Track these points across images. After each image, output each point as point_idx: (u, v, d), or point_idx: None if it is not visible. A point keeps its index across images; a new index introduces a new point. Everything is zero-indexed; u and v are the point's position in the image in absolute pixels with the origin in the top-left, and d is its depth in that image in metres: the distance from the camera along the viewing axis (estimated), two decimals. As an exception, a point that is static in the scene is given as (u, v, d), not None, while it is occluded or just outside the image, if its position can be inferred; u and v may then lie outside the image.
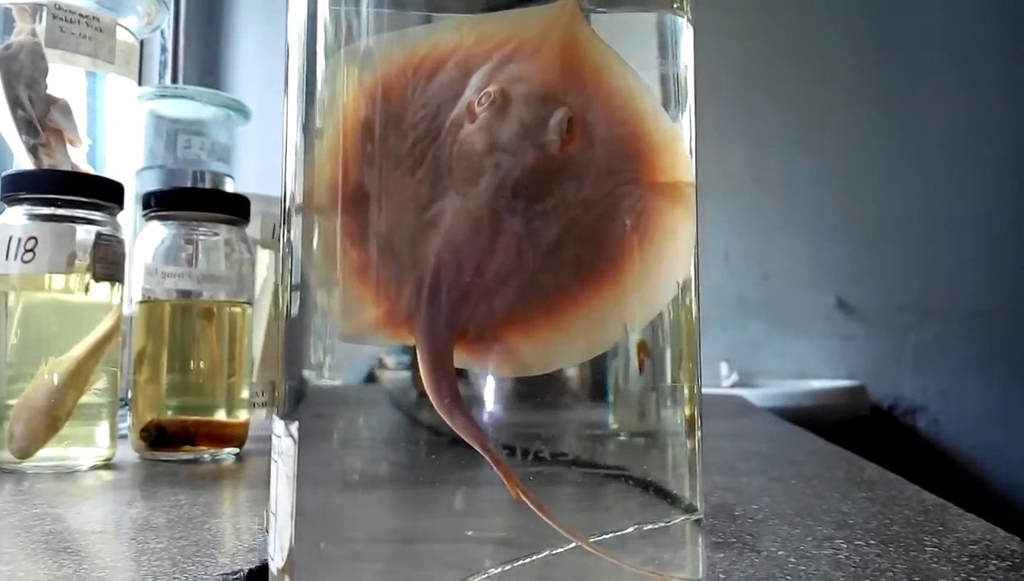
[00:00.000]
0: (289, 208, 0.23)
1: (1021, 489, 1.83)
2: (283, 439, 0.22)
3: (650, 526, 0.21)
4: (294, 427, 0.22)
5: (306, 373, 0.22)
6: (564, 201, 0.20)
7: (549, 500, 0.19)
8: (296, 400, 0.22)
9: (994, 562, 0.30)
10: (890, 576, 0.29)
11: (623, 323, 0.20)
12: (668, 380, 0.22)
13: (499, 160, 0.20)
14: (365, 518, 0.21)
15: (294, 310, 0.23)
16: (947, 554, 0.32)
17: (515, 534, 0.20)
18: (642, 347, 0.21)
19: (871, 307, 2.00)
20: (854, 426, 1.62)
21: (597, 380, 0.21)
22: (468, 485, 0.20)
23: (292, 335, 0.23)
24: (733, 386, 1.83)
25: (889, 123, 2.01)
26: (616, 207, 0.20)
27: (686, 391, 0.22)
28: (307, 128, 0.23)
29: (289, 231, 0.23)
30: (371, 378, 0.21)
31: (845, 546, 0.33)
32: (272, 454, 0.23)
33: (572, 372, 0.21)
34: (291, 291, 0.23)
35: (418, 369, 0.20)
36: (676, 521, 0.21)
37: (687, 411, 0.22)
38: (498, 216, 0.20)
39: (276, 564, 0.22)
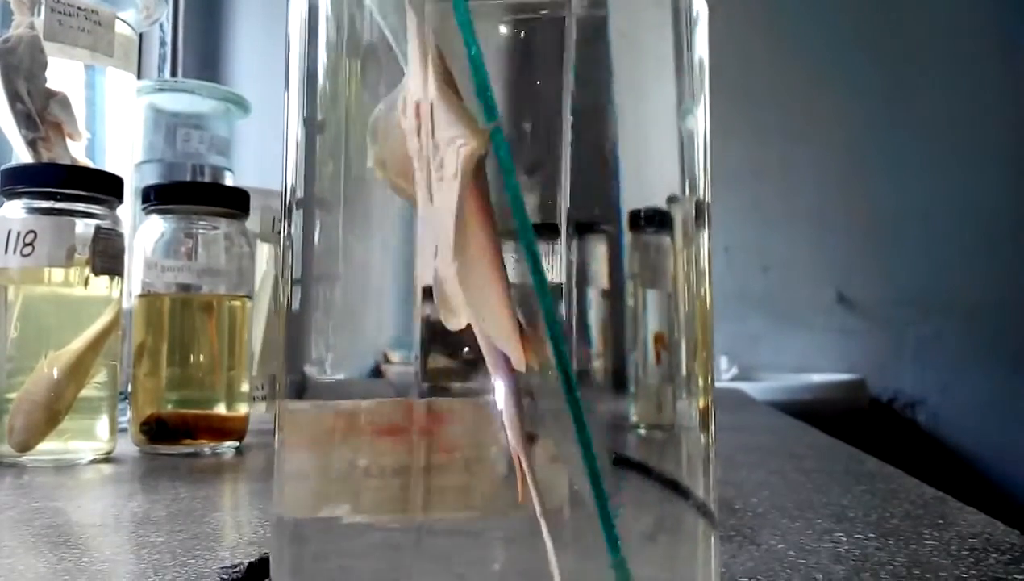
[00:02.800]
0: (290, 202, 0.23)
1: (1021, 482, 1.83)
2: (285, 435, 0.22)
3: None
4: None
5: (307, 368, 0.22)
6: (439, 185, 0.19)
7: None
8: (298, 394, 0.22)
9: (994, 555, 0.30)
10: (890, 569, 0.29)
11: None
12: (684, 371, 0.22)
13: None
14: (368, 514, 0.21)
15: (295, 304, 0.23)
16: (947, 547, 0.32)
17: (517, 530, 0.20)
18: (659, 338, 0.21)
19: (871, 301, 2.00)
20: (854, 420, 1.62)
21: (619, 372, 0.21)
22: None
23: (293, 329, 0.23)
24: (733, 379, 1.83)
25: (890, 116, 2.01)
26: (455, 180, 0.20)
27: (700, 382, 0.22)
28: (308, 122, 0.22)
29: (290, 225, 0.23)
30: (376, 372, 0.21)
31: (845, 539, 0.33)
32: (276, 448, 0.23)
33: (596, 365, 0.21)
34: (292, 285, 0.23)
35: (424, 362, 0.20)
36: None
37: (701, 403, 0.22)
38: (417, 213, 0.20)
39: (280, 561, 0.22)
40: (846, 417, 1.57)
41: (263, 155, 1.39)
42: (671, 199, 0.22)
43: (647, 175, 0.22)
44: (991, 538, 0.33)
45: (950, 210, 1.97)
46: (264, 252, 0.81)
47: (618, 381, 0.21)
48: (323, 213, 0.22)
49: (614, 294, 0.21)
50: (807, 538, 0.33)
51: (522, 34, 0.21)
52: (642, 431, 0.22)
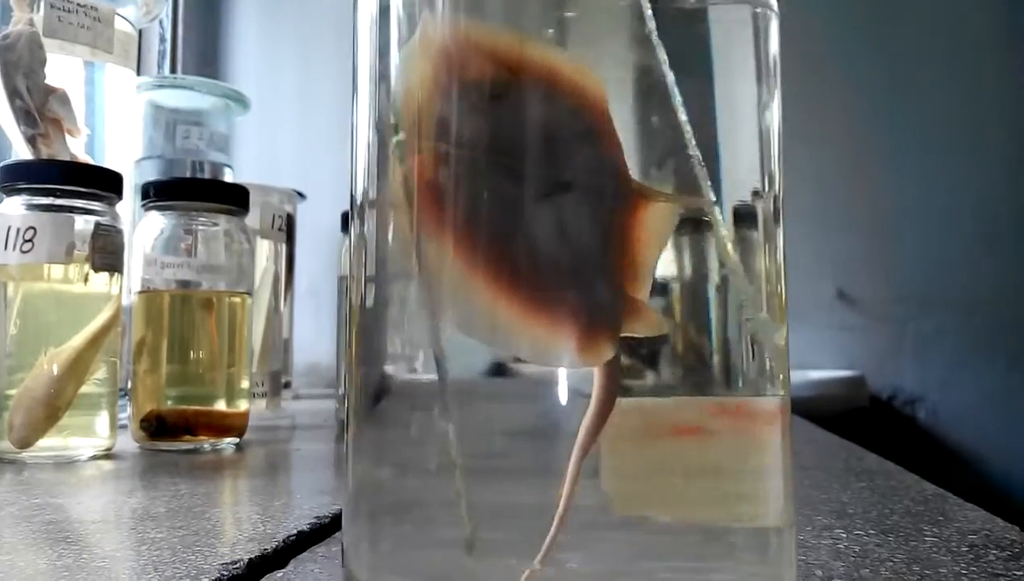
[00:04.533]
0: (362, 203, 0.23)
1: (1020, 479, 1.84)
2: (362, 431, 0.22)
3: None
4: (375, 420, 0.22)
5: (388, 367, 0.22)
6: None
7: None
8: (377, 393, 0.22)
9: (993, 552, 0.30)
10: (890, 566, 0.29)
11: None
12: (768, 366, 0.21)
13: None
14: (446, 508, 0.20)
15: (369, 302, 0.22)
16: (947, 544, 0.32)
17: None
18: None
19: (871, 298, 2.00)
20: (853, 416, 1.62)
21: (728, 367, 0.21)
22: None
23: (368, 327, 0.22)
24: (733, 376, 1.83)
25: (891, 112, 2.00)
26: None
27: (781, 376, 0.22)
28: (380, 125, 0.22)
29: (362, 225, 0.23)
30: (498, 371, 0.20)
31: (845, 536, 0.33)
32: (345, 448, 0.23)
33: (715, 360, 0.21)
34: (366, 283, 0.23)
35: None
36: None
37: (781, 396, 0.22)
38: None
39: (358, 559, 0.22)
40: (846, 414, 1.57)
41: (262, 151, 1.39)
42: (756, 194, 0.22)
43: (737, 170, 0.22)
44: (991, 534, 0.33)
45: (951, 207, 1.96)
46: (264, 248, 0.81)
47: (728, 375, 0.21)
48: (398, 213, 0.22)
49: (721, 289, 0.21)
50: (807, 534, 0.33)
51: (649, 27, 0.21)
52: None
